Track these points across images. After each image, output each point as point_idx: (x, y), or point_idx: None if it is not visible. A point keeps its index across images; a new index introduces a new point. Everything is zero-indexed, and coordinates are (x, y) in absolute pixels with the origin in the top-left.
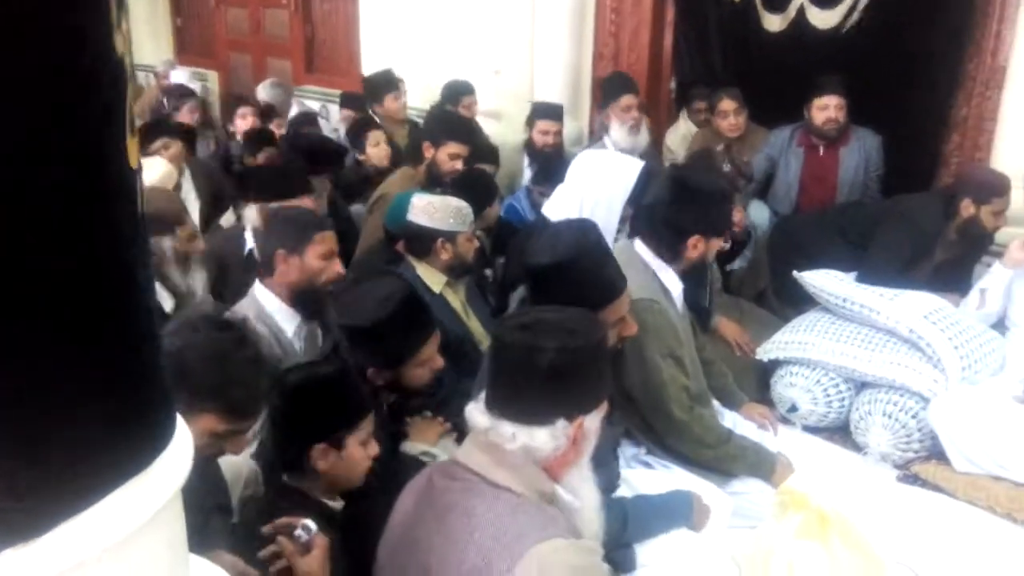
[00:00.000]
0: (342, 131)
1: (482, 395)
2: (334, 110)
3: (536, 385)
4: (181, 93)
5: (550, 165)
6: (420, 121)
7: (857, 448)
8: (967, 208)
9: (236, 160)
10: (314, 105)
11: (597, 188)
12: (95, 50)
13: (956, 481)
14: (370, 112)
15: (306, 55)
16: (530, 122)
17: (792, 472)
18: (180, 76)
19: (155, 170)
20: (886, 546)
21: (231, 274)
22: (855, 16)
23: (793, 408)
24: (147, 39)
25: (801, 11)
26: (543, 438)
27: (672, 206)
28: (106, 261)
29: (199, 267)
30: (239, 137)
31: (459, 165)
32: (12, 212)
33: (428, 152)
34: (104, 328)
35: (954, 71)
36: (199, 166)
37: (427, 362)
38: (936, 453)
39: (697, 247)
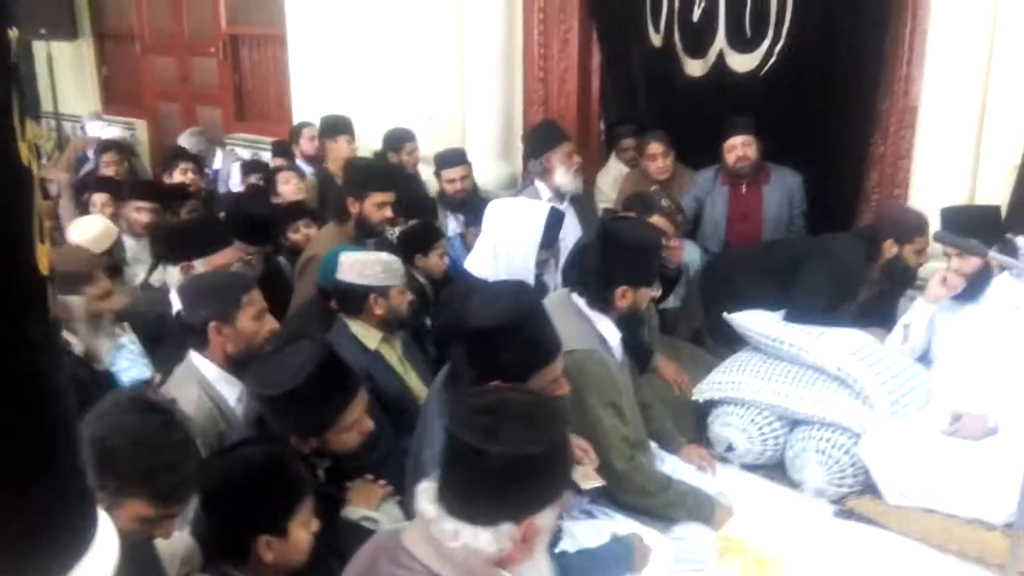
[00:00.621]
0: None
1: (434, 477)
2: (266, 157)
3: (482, 487)
4: (103, 147)
5: (473, 206)
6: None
7: (794, 485)
8: (890, 248)
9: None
10: (245, 154)
11: (509, 237)
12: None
13: (889, 515)
14: (319, 149)
15: (236, 103)
16: (436, 174)
17: (731, 514)
18: (97, 128)
19: (90, 228)
20: None
21: (162, 333)
22: (773, 59)
23: (730, 447)
24: (73, 90)
25: (720, 56)
26: (487, 540)
27: (600, 256)
28: (16, 373)
29: (110, 327)
30: None
31: (388, 213)
32: None
33: (353, 207)
34: (16, 439)
35: (870, 110)
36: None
37: (354, 426)
38: (870, 487)
39: (625, 296)
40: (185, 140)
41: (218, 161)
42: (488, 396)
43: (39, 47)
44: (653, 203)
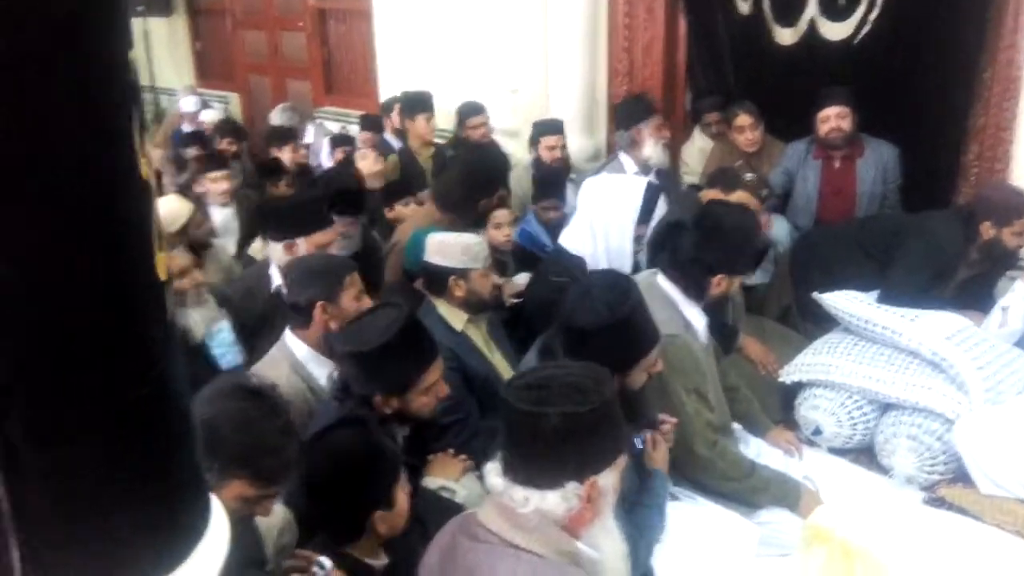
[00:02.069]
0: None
1: (499, 455)
2: (353, 131)
3: (543, 450)
4: (219, 130)
5: (550, 180)
6: (441, 143)
7: (883, 470)
8: (987, 230)
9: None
10: (334, 127)
11: (606, 214)
12: (124, 178)
13: (982, 504)
14: (401, 126)
15: (324, 76)
16: (534, 141)
17: (818, 500)
18: (190, 104)
19: (161, 209)
20: (913, 574)
21: (258, 309)
22: (867, 27)
23: (817, 431)
24: (169, 64)
25: (812, 24)
26: (555, 501)
27: (698, 245)
28: (140, 377)
29: (198, 303)
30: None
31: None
32: (49, 336)
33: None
34: (141, 439)
35: (970, 81)
36: (243, 199)
37: (431, 389)
38: (962, 476)
39: (721, 284)
40: (277, 116)
41: (309, 135)
42: (534, 374)
43: (136, 23)
44: (737, 178)
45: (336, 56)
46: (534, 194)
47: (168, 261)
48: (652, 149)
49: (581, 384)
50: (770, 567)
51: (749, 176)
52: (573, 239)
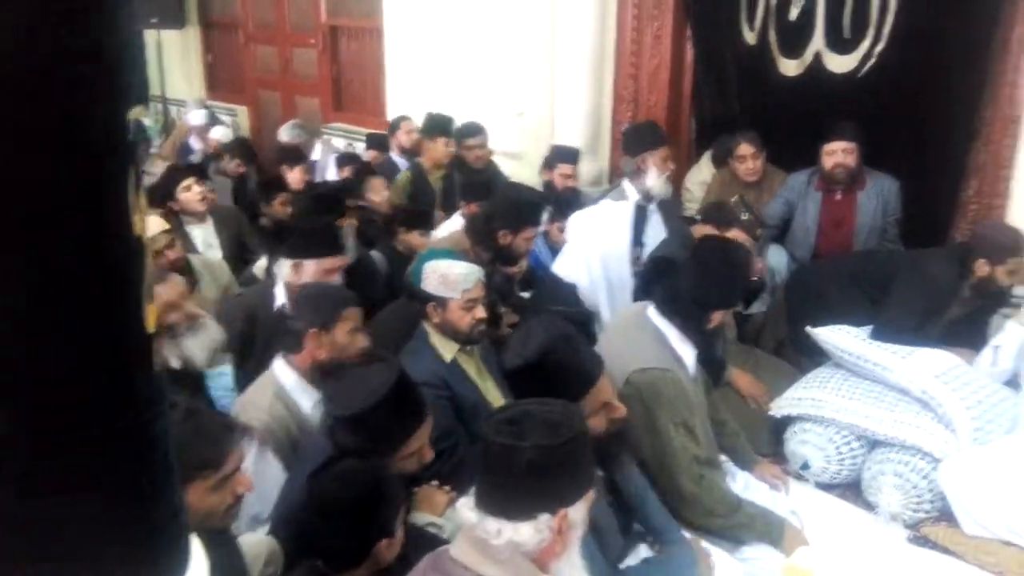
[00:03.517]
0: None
1: (472, 489)
2: (360, 148)
3: (517, 482)
4: (229, 150)
5: (564, 204)
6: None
7: (869, 507)
8: (982, 268)
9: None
10: (340, 144)
11: (601, 244)
12: (114, 233)
13: (966, 545)
14: (410, 145)
15: (333, 93)
16: (550, 165)
17: (802, 537)
18: (198, 117)
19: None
20: None
21: (259, 328)
22: (872, 61)
23: (806, 465)
24: (180, 75)
25: (818, 56)
26: (527, 532)
27: (694, 282)
28: (125, 427)
29: (195, 332)
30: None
31: (532, 245)
32: (37, 388)
33: (505, 239)
34: (125, 487)
35: (971, 117)
36: (223, 214)
37: (416, 453)
38: (947, 515)
39: (715, 319)
40: (286, 133)
41: (316, 153)
42: (512, 409)
43: (149, 34)
44: (731, 215)
45: (346, 73)
46: (550, 215)
47: (156, 300)
48: (655, 180)
49: (555, 419)
50: None
51: (745, 215)
52: (567, 268)
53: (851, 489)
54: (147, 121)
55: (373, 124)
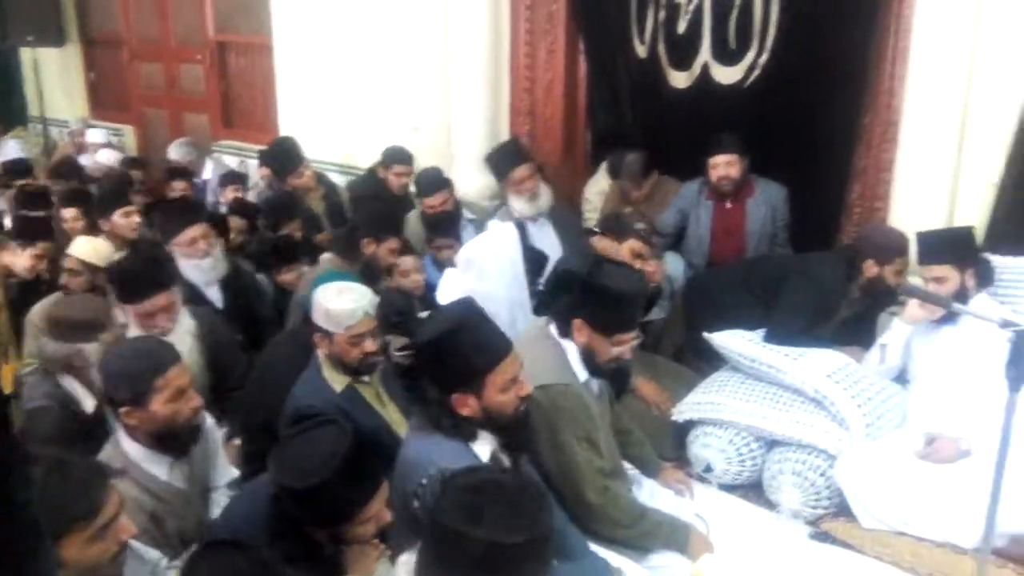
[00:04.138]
0: (262, 185)
1: (414, 554)
2: (252, 165)
3: (460, 572)
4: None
5: (443, 220)
6: (336, 182)
7: (771, 505)
8: (870, 268)
9: None
10: (232, 161)
11: (496, 275)
12: None
13: (863, 538)
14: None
15: (223, 110)
16: (420, 195)
17: (707, 541)
18: (97, 135)
19: (86, 246)
20: None
21: None
22: (757, 72)
23: (708, 468)
24: (60, 95)
25: (706, 68)
26: None
27: (587, 308)
28: None
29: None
30: None
31: (395, 259)
32: None
33: (369, 248)
34: None
35: (853, 124)
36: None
37: (373, 518)
38: (844, 510)
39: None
40: (175, 151)
41: (207, 171)
42: (477, 475)
43: (25, 52)
44: (628, 226)
45: (235, 89)
46: (427, 236)
47: (107, 330)
48: (516, 203)
49: (522, 503)
50: None
51: (640, 225)
52: (452, 295)
53: (753, 489)
54: (23, 152)
55: (264, 140)
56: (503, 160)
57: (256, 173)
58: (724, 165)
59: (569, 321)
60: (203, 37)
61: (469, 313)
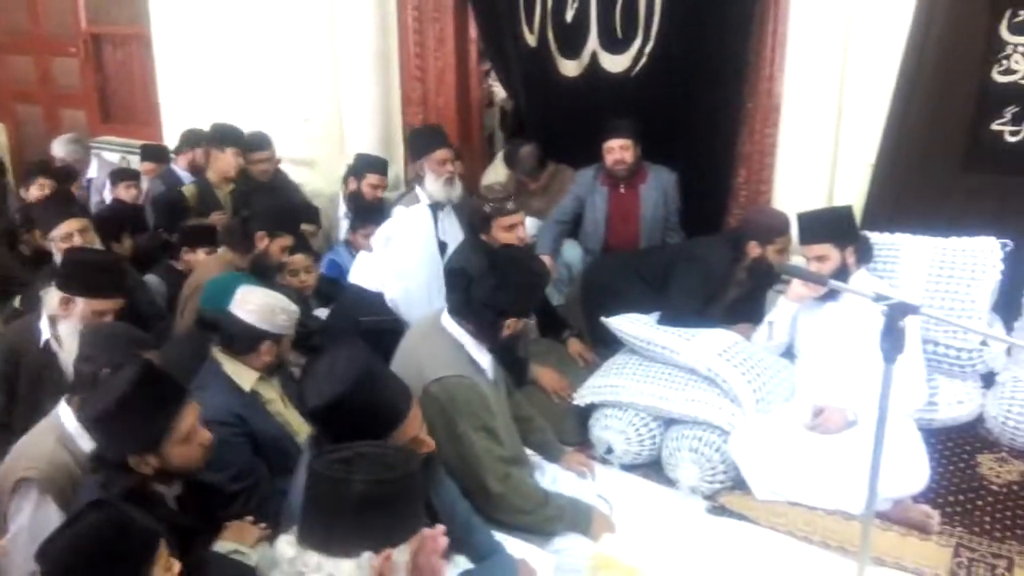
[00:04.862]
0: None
1: (294, 528)
2: (134, 161)
3: (344, 517)
4: None
5: (372, 209)
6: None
7: (670, 482)
8: (753, 249)
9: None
10: (113, 157)
11: (412, 252)
12: None
13: (758, 509)
14: (203, 158)
15: (100, 104)
16: (356, 174)
17: (609, 522)
18: None
19: None
20: None
21: (24, 367)
22: (643, 60)
23: (610, 449)
24: None
25: (594, 56)
26: (348, 569)
27: (491, 291)
28: None
29: None
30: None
31: (286, 257)
32: None
33: (261, 242)
34: None
35: (736, 109)
36: None
37: (190, 436)
38: (740, 483)
39: (511, 327)
40: (59, 147)
41: (94, 170)
42: (343, 451)
43: None
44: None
45: (113, 83)
46: (352, 223)
47: None
48: (432, 184)
49: (388, 459)
50: None
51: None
52: (366, 278)
53: (653, 468)
54: None
55: (146, 135)
56: (427, 138)
57: (139, 169)
58: (619, 149)
59: (497, 325)
60: (75, 29)
61: (365, 372)
